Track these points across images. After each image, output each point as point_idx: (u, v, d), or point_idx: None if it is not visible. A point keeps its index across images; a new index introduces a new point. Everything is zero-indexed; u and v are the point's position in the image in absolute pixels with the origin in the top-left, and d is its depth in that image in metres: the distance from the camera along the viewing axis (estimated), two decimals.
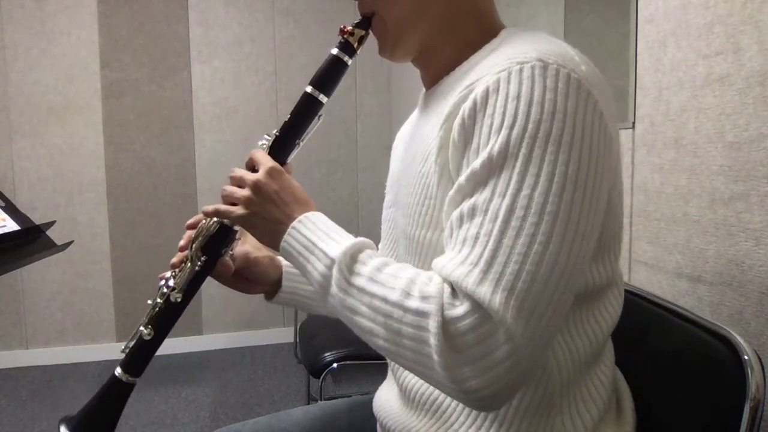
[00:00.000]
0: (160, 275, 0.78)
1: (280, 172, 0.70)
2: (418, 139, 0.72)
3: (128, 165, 3.06)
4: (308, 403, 2.20)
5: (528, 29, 0.68)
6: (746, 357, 0.63)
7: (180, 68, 3.09)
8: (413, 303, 0.54)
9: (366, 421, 0.89)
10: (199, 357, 3.05)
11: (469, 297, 0.52)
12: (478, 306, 0.52)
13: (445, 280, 0.55)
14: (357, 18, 0.75)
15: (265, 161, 0.70)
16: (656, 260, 1.03)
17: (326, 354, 1.79)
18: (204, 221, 0.75)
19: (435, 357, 0.52)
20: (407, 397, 0.73)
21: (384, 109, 3.37)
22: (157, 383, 2.50)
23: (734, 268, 0.84)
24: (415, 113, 0.82)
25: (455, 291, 0.54)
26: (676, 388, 0.73)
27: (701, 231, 0.91)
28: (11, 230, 1.39)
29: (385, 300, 0.56)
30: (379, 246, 0.87)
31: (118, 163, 3.05)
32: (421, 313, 0.53)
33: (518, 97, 0.55)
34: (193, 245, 0.75)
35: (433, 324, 0.52)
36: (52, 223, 1.50)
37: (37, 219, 1.50)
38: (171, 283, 0.75)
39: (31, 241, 1.43)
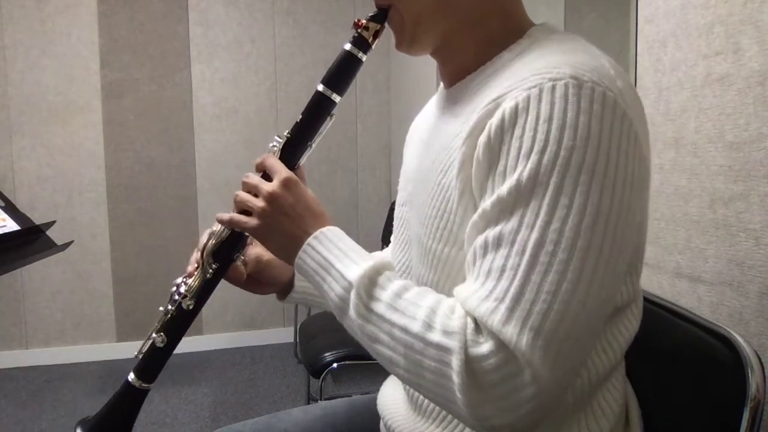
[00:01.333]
0: (174, 282, 0.77)
1: (295, 183, 0.67)
2: (437, 142, 0.69)
3: (128, 165, 3.06)
4: (308, 403, 2.20)
5: (559, 31, 0.65)
6: (746, 357, 0.63)
7: (180, 68, 3.09)
8: (435, 336, 0.52)
9: (366, 421, 0.89)
10: (199, 357, 3.05)
11: (494, 336, 0.50)
12: (503, 345, 0.50)
13: (469, 314, 0.53)
14: (361, 15, 0.71)
15: (280, 170, 0.68)
16: (656, 260, 1.03)
17: (326, 354, 1.79)
18: (215, 228, 0.74)
19: (458, 395, 0.50)
20: (414, 401, 0.73)
21: (384, 109, 3.37)
22: (157, 383, 2.49)
23: (734, 268, 0.84)
24: (433, 110, 0.77)
25: (479, 327, 0.52)
26: (676, 388, 0.73)
27: (701, 231, 0.91)
28: (11, 230, 1.39)
29: (405, 330, 0.54)
30: (390, 244, 0.87)
31: (118, 163, 3.05)
32: (444, 349, 0.51)
33: (550, 119, 0.51)
34: (204, 252, 0.73)
35: (456, 362, 0.50)
36: (52, 223, 1.50)
37: (37, 219, 1.50)
38: (182, 289, 0.74)
39: (31, 241, 1.43)
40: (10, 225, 1.39)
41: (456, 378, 0.50)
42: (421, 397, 0.71)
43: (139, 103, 3.05)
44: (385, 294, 0.57)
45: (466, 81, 0.68)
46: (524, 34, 0.65)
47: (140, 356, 0.75)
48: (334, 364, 1.76)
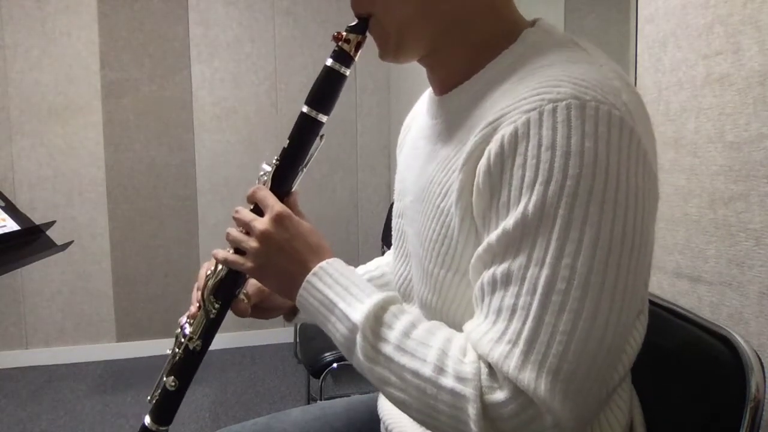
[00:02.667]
0: (179, 321, 0.76)
1: (289, 217, 0.64)
2: (435, 161, 0.65)
3: (128, 165, 3.06)
4: (308, 403, 2.20)
5: (554, 34, 0.61)
6: (746, 357, 0.63)
7: (180, 68, 3.09)
8: (448, 382, 0.50)
9: (365, 421, 0.88)
10: None
11: (510, 382, 0.48)
12: (520, 391, 0.48)
13: (482, 357, 0.51)
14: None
15: (272, 204, 0.64)
16: (656, 260, 1.03)
17: (326, 354, 1.79)
18: (212, 267, 0.72)
19: None
20: None
21: (384, 109, 3.37)
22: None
23: (734, 268, 0.84)
24: (425, 116, 0.73)
25: (493, 371, 0.50)
26: (675, 388, 0.72)
27: (701, 231, 0.91)
28: (11, 230, 1.39)
29: (416, 374, 0.52)
30: (391, 252, 0.85)
31: (118, 163, 3.05)
32: (459, 396, 0.50)
33: (553, 146, 0.48)
34: (205, 292, 0.72)
35: (472, 410, 0.48)
36: (52, 223, 1.50)
37: (37, 219, 1.50)
38: (188, 330, 0.73)
39: (31, 241, 1.43)
40: (10, 225, 1.39)
41: (474, 426, 0.48)
42: None
43: (139, 103, 3.05)
44: (393, 334, 0.55)
45: (459, 90, 0.64)
46: (518, 37, 0.61)
47: (153, 401, 0.74)
48: (334, 364, 1.76)
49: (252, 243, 0.64)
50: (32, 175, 2.95)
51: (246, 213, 0.66)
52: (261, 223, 0.63)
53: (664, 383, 0.74)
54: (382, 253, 1.18)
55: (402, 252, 0.76)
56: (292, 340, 3.13)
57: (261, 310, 0.83)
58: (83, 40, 2.96)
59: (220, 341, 3.70)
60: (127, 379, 2.80)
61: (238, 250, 0.67)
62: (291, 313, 0.87)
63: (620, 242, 0.48)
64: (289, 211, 0.65)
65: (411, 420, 0.72)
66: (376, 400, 0.85)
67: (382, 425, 0.80)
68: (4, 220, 1.40)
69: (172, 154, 3.11)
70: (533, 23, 0.63)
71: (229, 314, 0.74)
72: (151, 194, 3.10)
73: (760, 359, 0.63)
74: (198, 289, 0.75)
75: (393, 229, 0.80)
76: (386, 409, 0.79)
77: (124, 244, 3.08)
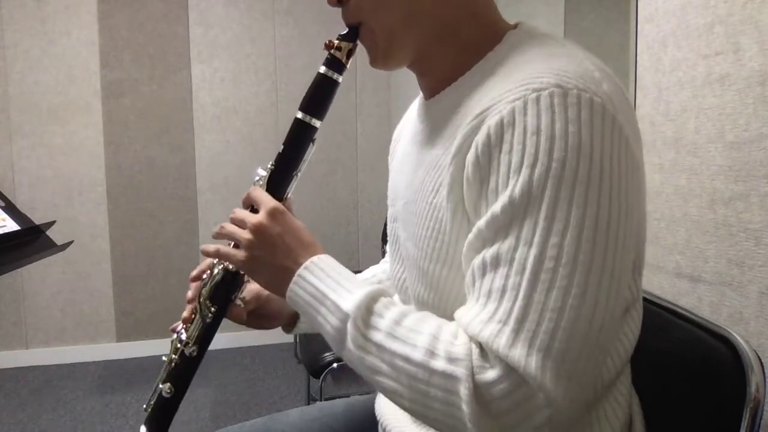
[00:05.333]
0: (171, 327, 0.75)
1: (282, 213, 0.65)
2: (425, 161, 0.66)
3: (128, 165, 3.06)
4: (308, 404, 2.20)
5: (535, 34, 0.63)
6: (746, 357, 0.63)
7: (180, 68, 3.09)
8: (439, 364, 0.51)
9: (363, 422, 0.88)
10: None
11: (501, 360, 0.49)
12: (511, 369, 0.48)
13: (473, 338, 0.51)
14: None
15: (266, 201, 0.66)
16: (656, 260, 1.03)
17: (326, 354, 1.79)
18: (208, 271, 0.73)
19: (469, 425, 0.49)
20: None
21: (384, 109, 3.37)
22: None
23: (734, 268, 0.84)
24: (415, 120, 0.75)
25: (484, 351, 0.50)
26: (675, 388, 0.73)
27: (701, 231, 0.91)
28: (11, 230, 1.39)
29: (407, 359, 0.52)
30: (387, 256, 0.86)
31: (118, 163, 3.05)
32: (450, 377, 0.50)
33: (538, 131, 0.50)
34: (201, 296, 0.71)
35: (464, 390, 0.49)
36: (52, 223, 1.50)
37: (37, 219, 1.50)
38: (183, 336, 0.73)
39: (31, 241, 1.43)
40: (10, 225, 1.40)
41: (466, 408, 0.49)
42: None
43: (139, 103, 3.05)
44: (383, 322, 0.55)
45: (446, 92, 0.66)
46: (501, 40, 0.63)
47: (149, 409, 0.74)
48: (334, 364, 1.76)
49: (245, 235, 0.64)
50: (32, 175, 2.95)
51: (242, 211, 0.68)
52: (255, 217, 0.65)
53: (664, 383, 0.74)
54: (382, 254, 1.18)
55: (397, 256, 0.77)
56: (292, 340, 3.13)
57: (258, 318, 0.83)
58: (83, 40, 2.96)
59: (220, 341, 3.69)
60: (127, 379, 2.80)
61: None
62: (289, 324, 0.87)
63: (606, 222, 0.49)
64: (283, 207, 0.66)
65: (408, 420, 0.72)
66: (374, 401, 0.85)
67: (380, 427, 0.80)
68: (4, 220, 1.40)
69: (172, 154, 3.11)
70: (515, 26, 0.66)
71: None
72: (151, 194, 3.10)
73: (760, 359, 0.63)
74: (191, 297, 0.75)
75: (388, 234, 0.81)
76: (384, 409, 0.79)
77: (124, 244, 3.08)
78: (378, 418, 0.81)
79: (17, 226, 1.40)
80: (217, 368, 2.92)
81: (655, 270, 1.03)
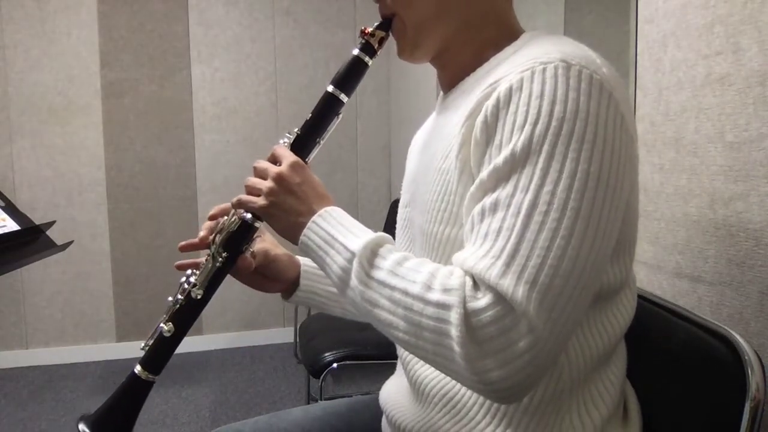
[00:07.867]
0: (176, 264, 0.79)
1: (302, 167, 0.71)
2: (437, 137, 0.73)
3: (128, 165, 3.06)
4: (308, 403, 2.20)
5: (549, 33, 0.69)
6: (746, 357, 0.63)
7: (180, 68, 3.09)
8: (434, 295, 0.54)
9: (367, 421, 0.89)
10: (199, 357, 3.05)
11: (492, 289, 0.53)
12: (500, 298, 0.52)
13: (467, 272, 0.55)
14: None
15: (288, 156, 0.72)
16: (656, 260, 1.03)
17: (326, 354, 1.79)
18: (224, 218, 0.77)
19: (456, 348, 0.52)
20: (418, 390, 0.73)
21: (384, 109, 3.37)
22: (157, 383, 2.50)
23: (734, 268, 0.84)
24: (433, 116, 0.83)
25: (477, 283, 0.54)
26: (675, 388, 0.73)
27: (701, 231, 0.91)
28: (11, 230, 1.39)
29: (405, 293, 0.56)
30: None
31: (118, 163, 3.05)
32: (443, 305, 0.53)
33: (542, 95, 0.55)
34: (214, 242, 0.75)
35: (454, 316, 0.52)
36: (52, 223, 1.51)
37: (37, 219, 1.50)
38: (192, 279, 0.76)
39: (31, 241, 1.43)
40: (10, 225, 1.40)
41: (455, 332, 0.52)
42: (425, 384, 0.71)
43: (139, 103, 3.05)
44: (386, 262, 0.60)
45: (464, 82, 0.72)
46: (518, 38, 0.70)
47: (146, 348, 0.76)
48: (334, 364, 1.76)
49: (267, 183, 0.70)
50: (32, 175, 2.95)
51: (265, 162, 0.73)
52: (277, 168, 0.70)
53: (664, 383, 0.74)
54: None
55: (406, 239, 0.82)
56: (292, 340, 3.14)
57: (261, 278, 0.87)
58: (83, 40, 2.96)
59: (220, 341, 3.70)
60: None
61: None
62: (288, 291, 0.91)
63: (596, 177, 0.55)
64: (303, 162, 0.72)
65: (412, 410, 0.73)
66: (377, 401, 0.85)
67: (384, 420, 0.80)
68: (4, 220, 1.40)
69: (172, 154, 3.11)
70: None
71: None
72: (151, 194, 3.10)
73: (760, 359, 0.63)
74: (204, 236, 0.79)
75: (398, 220, 0.85)
76: (388, 399, 0.80)
77: (124, 244, 3.08)
78: (383, 407, 0.81)
79: (17, 226, 1.40)
80: (217, 368, 2.92)
81: (655, 270, 1.04)
